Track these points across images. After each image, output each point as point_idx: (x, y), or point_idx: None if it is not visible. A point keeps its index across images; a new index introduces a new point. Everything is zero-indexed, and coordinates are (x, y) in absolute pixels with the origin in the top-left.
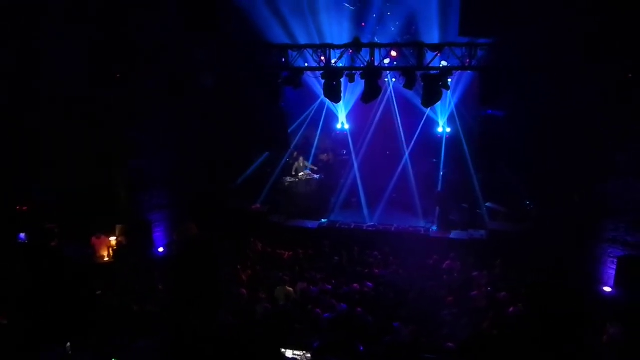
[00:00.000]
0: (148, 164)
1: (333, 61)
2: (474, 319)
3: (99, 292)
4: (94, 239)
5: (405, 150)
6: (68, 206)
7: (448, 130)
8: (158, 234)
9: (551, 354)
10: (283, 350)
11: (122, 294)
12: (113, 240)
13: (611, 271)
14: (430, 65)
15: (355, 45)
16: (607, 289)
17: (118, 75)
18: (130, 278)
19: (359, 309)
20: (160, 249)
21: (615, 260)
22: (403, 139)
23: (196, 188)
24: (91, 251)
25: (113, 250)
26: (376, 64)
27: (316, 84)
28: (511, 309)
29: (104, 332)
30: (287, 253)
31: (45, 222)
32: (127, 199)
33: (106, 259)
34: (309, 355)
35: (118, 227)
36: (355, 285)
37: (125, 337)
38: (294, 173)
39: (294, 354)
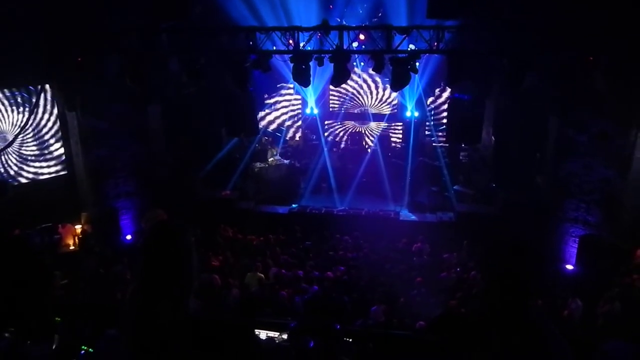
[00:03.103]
0: (113, 151)
1: (302, 44)
2: (442, 299)
3: (65, 282)
4: (59, 228)
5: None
6: (33, 194)
7: (416, 114)
8: (125, 221)
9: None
10: (257, 332)
11: (88, 282)
12: (78, 228)
13: (573, 250)
14: (399, 48)
15: (323, 28)
16: (569, 267)
17: (79, 59)
18: (96, 266)
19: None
20: (128, 237)
21: (577, 239)
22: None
23: (164, 175)
24: (58, 238)
25: (79, 238)
26: (345, 47)
27: (284, 67)
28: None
29: (70, 321)
30: (257, 239)
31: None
32: (92, 186)
33: (72, 247)
34: (285, 337)
35: (84, 215)
36: (327, 269)
37: (94, 326)
38: (269, 159)
39: (268, 336)
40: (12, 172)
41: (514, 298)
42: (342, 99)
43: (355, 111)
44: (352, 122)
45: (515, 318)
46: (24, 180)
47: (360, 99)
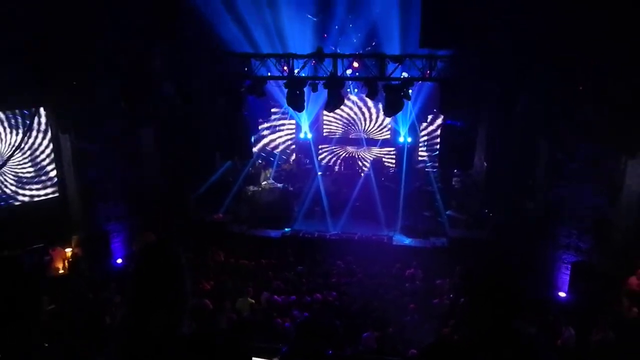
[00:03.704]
0: (105, 173)
1: (296, 71)
2: (435, 325)
3: (52, 307)
4: (50, 250)
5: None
6: (24, 216)
7: (409, 140)
8: (116, 244)
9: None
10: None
11: (77, 307)
12: (69, 251)
13: (565, 276)
14: (392, 76)
15: (318, 55)
16: (562, 294)
17: (74, 82)
18: (85, 290)
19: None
20: (119, 260)
21: (569, 265)
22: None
23: (156, 197)
24: (49, 259)
25: (68, 262)
26: (339, 74)
27: (279, 92)
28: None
29: (58, 346)
30: (249, 263)
31: None
32: (83, 209)
33: (61, 271)
34: None
35: (74, 238)
36: (320, 294)
37: (84, 351)
38: (262, 182)
39: None
40: (8, 193)
41: (505, 312)
42: (335, 124)
43: (349, 136)
44: (346, 147)
45: (506, 333)
46: (16, 203)
47: (354, 124)
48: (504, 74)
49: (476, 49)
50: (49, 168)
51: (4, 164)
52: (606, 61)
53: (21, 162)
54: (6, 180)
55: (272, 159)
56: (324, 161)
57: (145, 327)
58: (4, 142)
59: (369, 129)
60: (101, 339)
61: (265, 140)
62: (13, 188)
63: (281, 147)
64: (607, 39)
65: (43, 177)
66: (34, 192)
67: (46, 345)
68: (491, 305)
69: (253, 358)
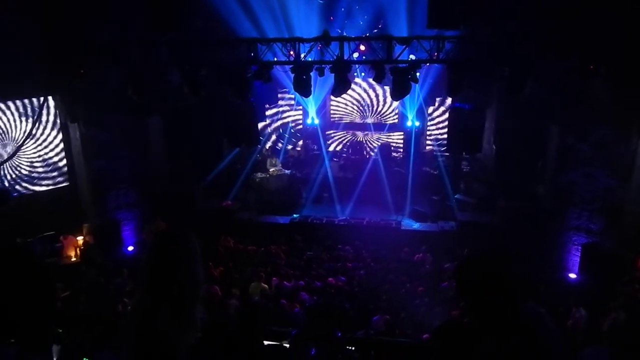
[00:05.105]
0: (114, 162)
1: (302, 55)
2: (444, 309)
3: (66, 294)
4: (61, 238)
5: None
6: (35, 205)
7: (417, 123)
8: (127, 232)
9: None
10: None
11: (90, 294)
12: (80, 240)
13: (576, 258)
14: (399, 58)
15: (324, 39)
16: (572, 275)
17: (82, 71)
18: (98, 278)
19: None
20: (130, 248)
21: (580, 247)
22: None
23: (165, 185)
24: (60, 246)
25: (80, 250)
26: (345, 57)
27: (285, 78)
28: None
29: (71, 332)
30: (259, 249)
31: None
32: (93, 197)
33: (73, 259)
34: (286, 345)
35: (85, 227)
36: (329, 279)
37: (95, 337)
38: (270, 169)
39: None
40: (20, 182)
41: (503, 300)
42: (343, 109)
43: (356, 121)
44: (353, 132)
45: (507, 320)
46: (28, 192)
47: (361, 108)
48: (513, 54)
49: (485, 29)
50: (58, 157)
51: (17, 151)
52: (617, 41)
53: (32, 151)
54: (19, 166)
55: (280, 143)
56: (332, 147)
57: (158, 314)
58: (15, 130)
59: (377, 113)
60: (114, 325)
61: (273, 126)
62: (25, 177)
63: (288, 133)
64: (619, 20)
65: (53, 166)
66: (46, 181)
67: (60, 331)
68: (489, 296)
69: (264, 342)
